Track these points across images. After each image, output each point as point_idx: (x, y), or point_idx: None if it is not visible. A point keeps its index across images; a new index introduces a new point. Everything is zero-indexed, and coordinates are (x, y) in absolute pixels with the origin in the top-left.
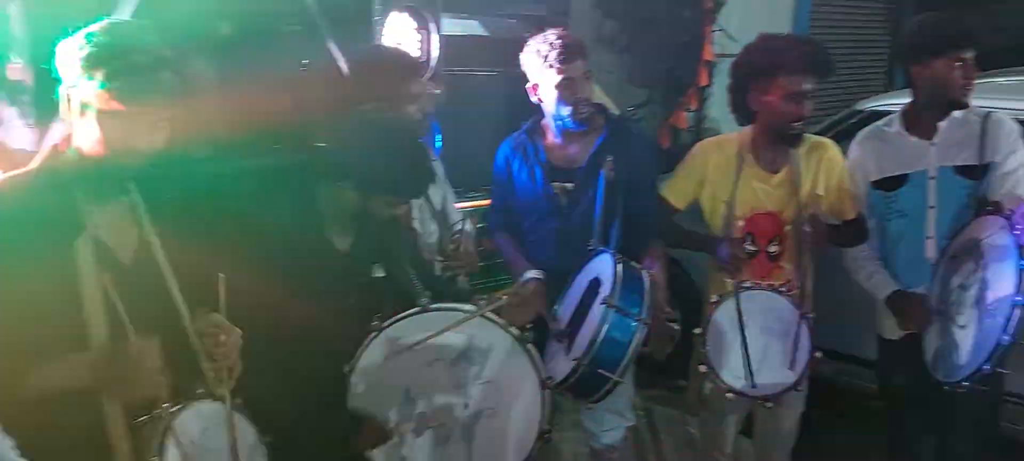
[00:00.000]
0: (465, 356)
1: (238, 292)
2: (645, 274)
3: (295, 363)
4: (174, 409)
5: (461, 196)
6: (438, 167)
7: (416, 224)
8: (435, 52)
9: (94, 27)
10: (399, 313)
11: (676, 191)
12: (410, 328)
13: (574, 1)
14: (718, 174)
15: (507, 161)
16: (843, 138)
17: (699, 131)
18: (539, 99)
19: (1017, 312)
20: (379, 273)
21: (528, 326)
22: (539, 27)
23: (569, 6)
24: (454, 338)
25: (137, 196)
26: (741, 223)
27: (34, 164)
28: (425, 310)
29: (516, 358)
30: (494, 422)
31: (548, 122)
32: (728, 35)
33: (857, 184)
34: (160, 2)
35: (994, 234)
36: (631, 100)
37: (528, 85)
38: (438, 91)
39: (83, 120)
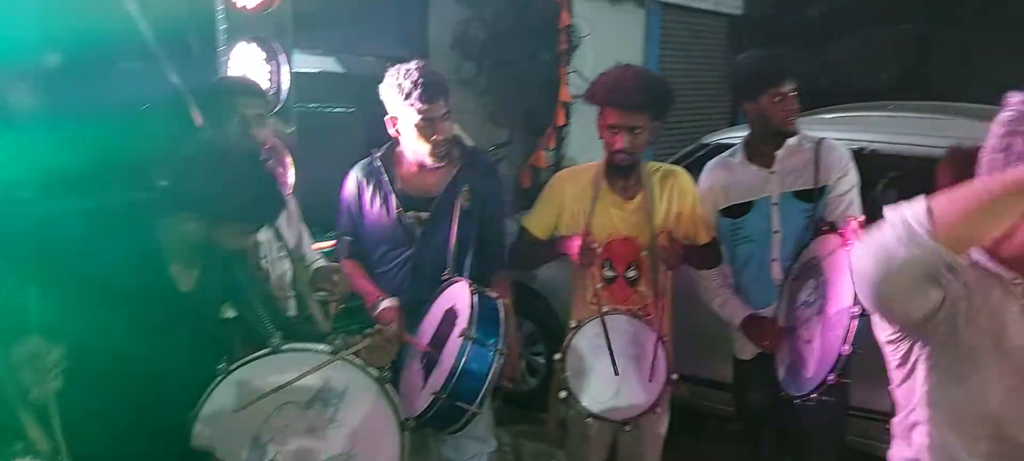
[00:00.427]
0: (319, 398)
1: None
2: (500, 304)
3: (139, 412)
4: None
5: (319, 236)
6: (293, 204)
7: (264, 262)
8: (286, 86)
9: None
10: (248, 354)
11: (537, 221)
12: (260, 370)
13: (433, 42)
14: (576, 202)
15: (358, 188)
16: (692, 170)
17: (558, 169)
18: (396, 132)
19: (854, 323)
20: (229, 313)
21: (387, 367)
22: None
23: (427, 47)
24: (307, 380)
25: None
26: (599, 249)
27: None
28: (276, 351)
29: (374, 400)
30: None
31: (404, 152)
32: (582, 77)
33: (708, 211)
34: None
35: (831, 252)
36: (491, 141)
37: (386, 117)
38: (291, 129)
39: None
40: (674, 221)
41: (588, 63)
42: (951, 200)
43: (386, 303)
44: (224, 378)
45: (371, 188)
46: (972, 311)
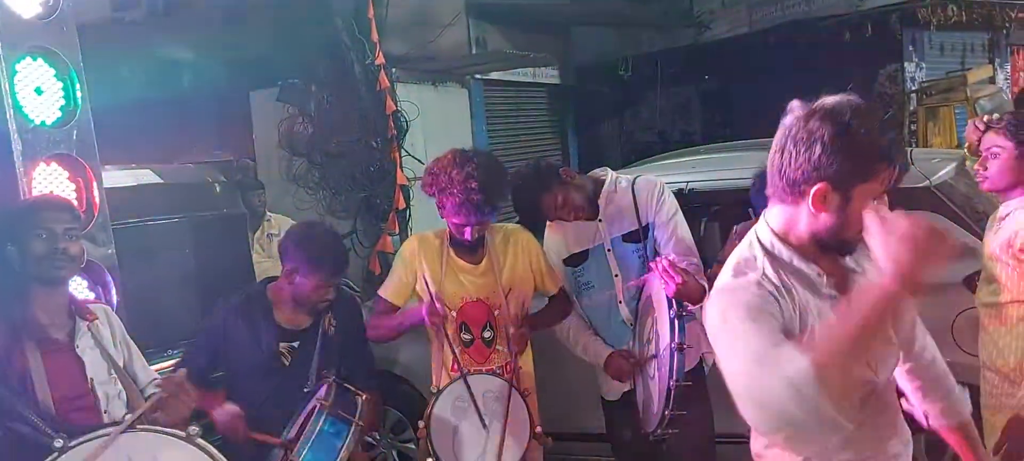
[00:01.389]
0: None
1: None
2: (360, 397)
3: None
4: None
5: (153, 358)
6: (118, 323)
7: (95, 385)
8: (98, 201)
9: None
10: None
11: (392, 290)
12: None
13: (258, 142)
14: (427, 267)
15: (230, 323)
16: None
17: None
18: (292, 281)
19: (677, 356)
20: None
21: (193, 425)
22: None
23: (253, 147)
24: None
25: None
26: (453, 314)
27: None
28: (64, 450)
29: (191, 458)
30: None
31: (284, 294)
32: (415, 158)
33: (553, 263)
34: None
35: (656, 289)
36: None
37: (286, 265)
38: (110, 249)
39: None
40: (522, 276)
41: (419, 144)
42: (828, 356)
43: (226, 408)
44: None
45: (244, 324)
46: (804, 324)
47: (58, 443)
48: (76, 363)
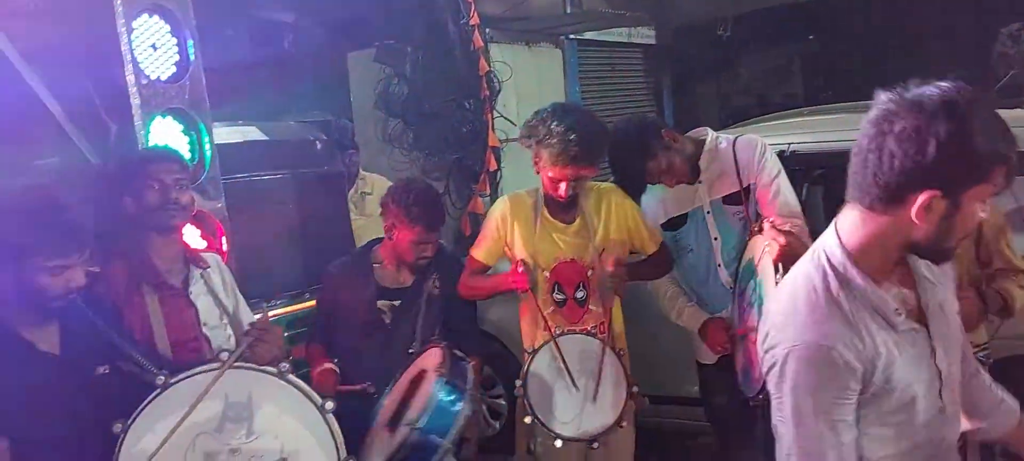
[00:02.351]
0: (228, 418)
1: None
2: (468, 363)
3: None
4: None
5: (257, 308)
6: (228, 274)
7: (205, 329)
8: (209, 156)
9: None
10: (138, 404)
11: (483, 249)
12: (156, 413)
13: (355, 103)
14: (519, 229)
15: (337, 282)
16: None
17: None
18: (391, 236)
19: None
20: (102, 370)
21: (284, 362)
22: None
23: (350, 108)
24: (208, 406)
25: None
26: (546, 274)
27: None
28: (165, 387)
29: (284, 396)
30: None
31: (387, 252)
32: (508, 119)
33: (651, 223)
34: None
35: (759, 252)
36: None
37: (386, 222)
38: (220, 202)
39: None
40: (615, 237)
41: (512, 105)
42: None
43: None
44: (125, 437)
45: (348, 282)
46: (874, 369)
47: (160, 380)
48: (189, 308)
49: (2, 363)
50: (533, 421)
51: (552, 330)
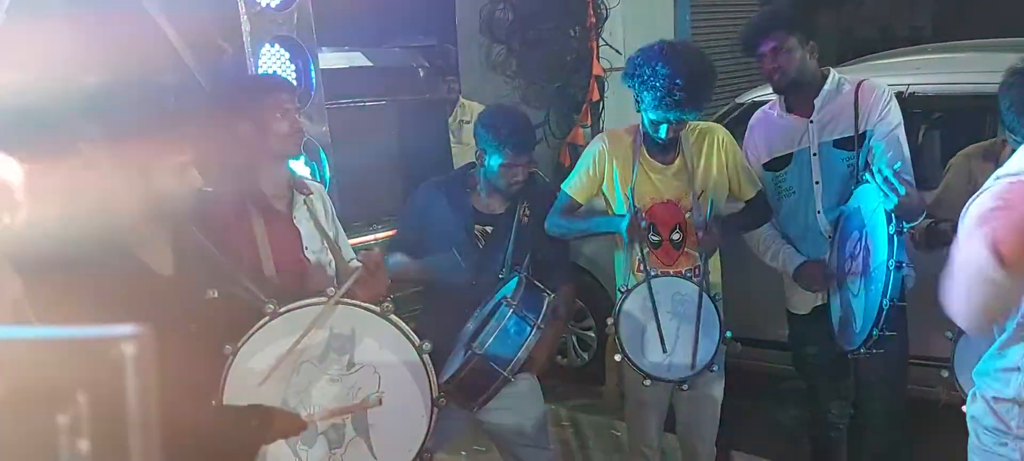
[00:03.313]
0: (331, 348)
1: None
2: (548, 294)
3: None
4: None
5: (354, 232)
6: (329, 200)
7: (309, 254)
8: (314, 82)
9: None
10: (244, 329)
11: (577, 187)
12: (264, 339)
13: (461, 29)
14: (617, 167)
15: (430, 201)
16: (730, 129)
17: None
18: (481, 162)
19: (893, 275)
20: (212, 294)
21: (387, 300)
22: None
23: (455, 34)
24: (312, 336)
25: None
26: (643, 214)
27: None
28: (275, 316)
29: (383, 333)
30: (383, 404)
31: (480, 179)
32: (614, 48)
33: (752, 165)
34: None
35: (867, 201)
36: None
37: (478, 148)
38: (324, 128)
39: None
40: (716, 179)
41: (618, 34)
42: (1013, 234)
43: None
44: (235, 358)
45: (445, 203)
46: None
47: (269, 308)
48: (293, 233)
49: (118, 283)
50: (623, 359)
51: (647, 271)
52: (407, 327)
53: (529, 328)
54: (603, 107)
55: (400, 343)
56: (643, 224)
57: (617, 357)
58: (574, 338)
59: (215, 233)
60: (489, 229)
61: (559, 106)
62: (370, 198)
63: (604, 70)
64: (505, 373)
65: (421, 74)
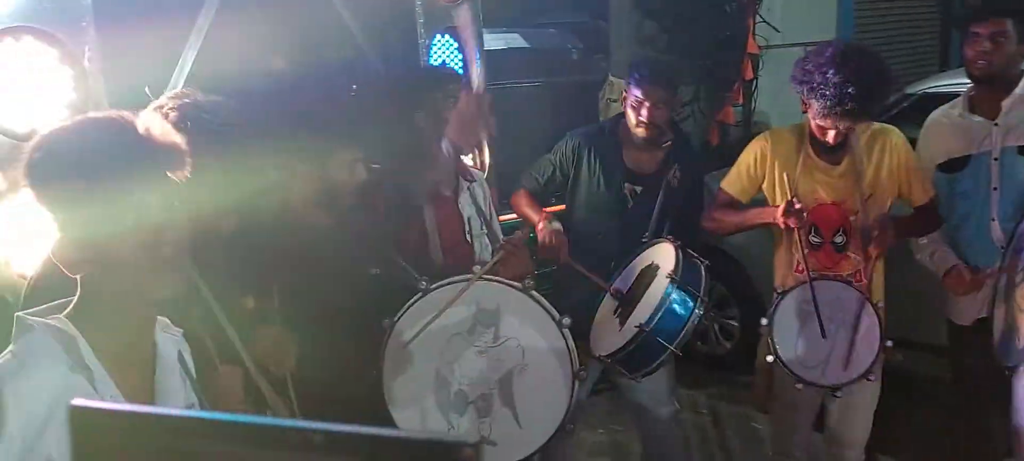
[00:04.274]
0: (478, 323)
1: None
2: (702, 265)
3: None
4: None
5: (506, 209)
6: (487, 187)
7: (469, 237)
8: (478, 70)
9: None
10: (401, 305)
11: (738, 186)
12: (417, 315)
13: (613, 3)
14: (779, 167)
15: (579, 149)
16: (898, 122)
17: (747, 125)
18: (624, 110)
19: None
20: (374, 271)
21: (529, 278)
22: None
23: (607, 9)
24: (461, 311)
25: None
26: (805, 215)
27: None
28: (427, 292)
29: (526, 309)
30: (527, 377)
31: (625, 131)
32: (771, 26)
33: (925, 167)
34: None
35: None
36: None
37: (623, 95)
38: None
39: None
40: (885, 182)
41: (776, 10)
42: None
43: (550, 225)
44: (391, 332)
45: (594, 154)
46: None
47: (422, 285)
48: (458, 216)
49: (301, 258)
50: (776, 361)
51: (807, 273)
52: (548, 303)
53: (693, 302)
54: (756, 86)
55: (541, 318)
56: (809, 229)
57: (769, 358)
58: (716, 326)
59: (387, 216)
60: (639, 189)
61: (710, 84)
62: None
63: (759, 47)
64: (672, 347)
65: (575, 56)
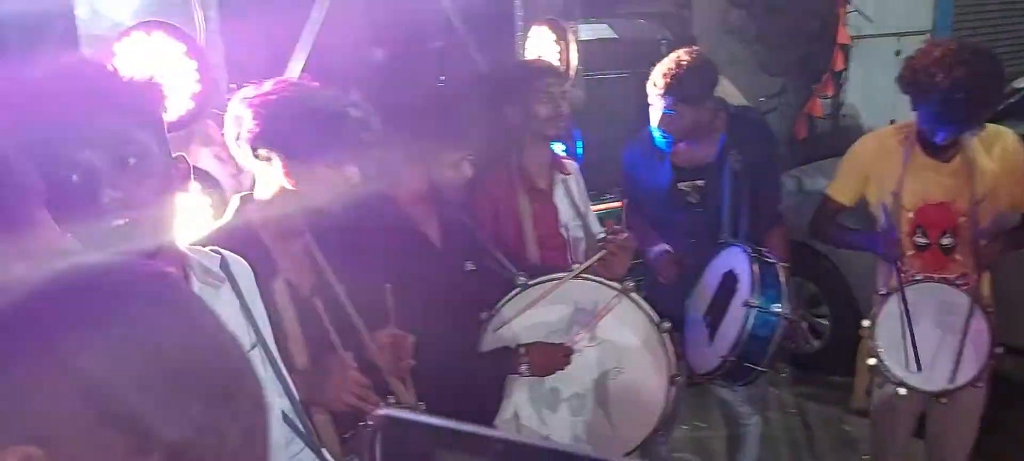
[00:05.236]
0: (576, 322)
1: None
2: (780, 268)
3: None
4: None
5: (595, 199)
6: (581, 180)
7: (564, 231)
8: (574, 60)
9: None
10: (497, 300)
11: (841, 188)
12: (515, 307)
13: None
14: (883, 166)
15: (631, 161)
16: (1001, 119)
17: (836, 119)
18: None
19: None
20: (470, 267)
21: (627, 277)
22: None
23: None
24: (559, 309)
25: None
26: (910, 215)
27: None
28: (525, 288)
29: (624, 310)
30: (623, 378)
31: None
32: (864, 16)
33: None
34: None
35: None
36: (763, 91)
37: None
38: (578, 107)
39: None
40: (999, 187)
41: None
42: None
43: (659, 247)
44: (489, 323)
45: (647, 159)
46: None
47: (520, 280)
48: (553, 210)
49: (406, 253)
50: (878, 364)
51: (909, 276)
52: (647, 305)
53: (774, 320)
54: (846, 78)
55: (641, 320)
56: (914, 230)
57: (871, 361)
58: (804, 324)
59: (483, 210)
60: (699, 182)
61: (798, 74)
62: (608, 169)
63: (850, 38)
64: (761, 367)
65: (662, 49)
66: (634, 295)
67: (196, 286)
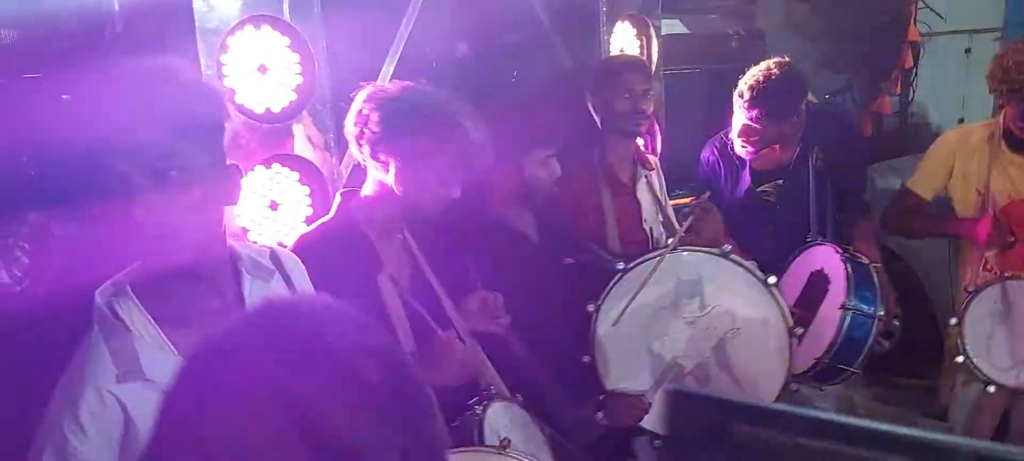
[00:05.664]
0: (682, 294)
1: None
2: (873, 269)
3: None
4: (480, 408)
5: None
6: (661, 175)
7: (646, 225)
8: (655, 56)
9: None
10: (594, 291)
11: (922, 182)
12: (618, 296)
13: None
14: (968, 162)
15: (709, 164)
16: None
17: (904, 117)
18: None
19: None
20: (568, 261)
21: (725, 244)
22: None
23: None
24: (662, 287)
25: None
26: (997, 212)
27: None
28: (624, 273)
29: (726, 272)
30: (741, 339)
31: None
32: (935, 12)
33: None
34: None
35: None
36: (827, 87)
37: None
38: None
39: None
40: None
41: None
42: None
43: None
44: (597, 316)
45: (724, 163)
46: None
47: (619, 266)
48: (635, 204)
49: (507, 254)
50: (965, 362)
51: (1001, 273)
52: (748, 263)
53: (870, 323)
54: (916, 76)
55: (745, 280)
56: (1004, 242)
57: (959, 358)
58: (897, 322)
59: (566, 205)
60: (781, 182)
61: (865, 72)
62: (681, 163)
63: (921, 35)
64: (853, 369)
65: (734, 45)
66: (733, 256)
67: (247, 280)
